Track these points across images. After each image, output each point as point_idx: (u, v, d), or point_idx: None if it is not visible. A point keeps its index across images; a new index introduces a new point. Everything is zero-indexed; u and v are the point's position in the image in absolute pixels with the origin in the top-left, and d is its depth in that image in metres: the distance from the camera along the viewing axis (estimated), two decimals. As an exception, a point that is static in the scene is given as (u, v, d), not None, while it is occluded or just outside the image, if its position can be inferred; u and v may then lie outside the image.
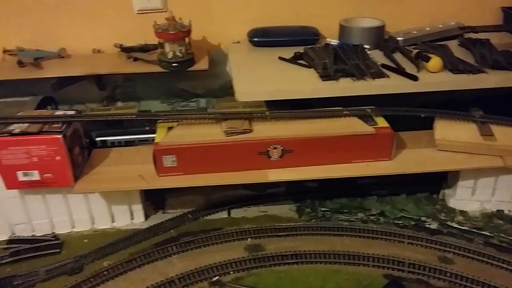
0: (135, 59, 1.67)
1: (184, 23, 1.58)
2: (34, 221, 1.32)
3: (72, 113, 1.27)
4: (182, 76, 1.87)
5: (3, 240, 1.31)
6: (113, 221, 1.36)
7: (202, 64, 1.66)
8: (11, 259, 1.24)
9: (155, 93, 1.91)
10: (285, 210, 1.42)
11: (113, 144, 1.53)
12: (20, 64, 1.64)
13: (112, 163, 1.32)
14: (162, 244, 1.28)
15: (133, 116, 1.39)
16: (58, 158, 1.18)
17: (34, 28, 1.72)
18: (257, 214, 1.40)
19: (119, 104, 1.90)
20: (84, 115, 1.34)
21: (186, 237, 1.30)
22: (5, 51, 1.64)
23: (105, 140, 1.53)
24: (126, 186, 1.25)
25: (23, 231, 1.32)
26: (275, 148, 1.22)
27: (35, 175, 1.20)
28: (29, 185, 1.21)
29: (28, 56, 1.63)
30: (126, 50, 1.67)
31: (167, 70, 1.62)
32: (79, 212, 1.33)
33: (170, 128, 1.28)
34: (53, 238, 1.30)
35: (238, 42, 1.81)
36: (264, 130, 1.25)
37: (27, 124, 1.18)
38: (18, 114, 1.28)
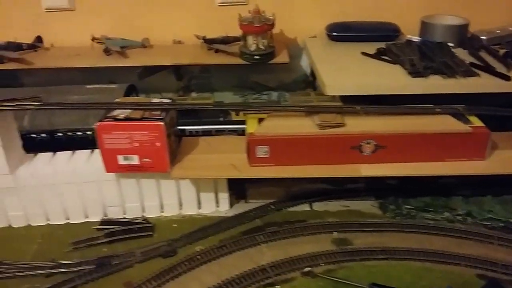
0: (217, 51, 1.71)
1: (268, 16, 1.60)
2: (126, 204, 1.37)
3: (168, 101, 1.31)
4: (256, 69, 1.89)
5: (96, 221, 1.37)
6: (199, 207, 1.40)
7: (282, 57, 1.67)
8: (107, 239, 1.29)
9: (228, 85, 1.94)
10: (367, 206, 1.42)
11: (191, 133, 1.57)
12: (107, 52, 1.70)
13: (203, 152, 1.35)
14: (249, 232, 1.31)
15: (236, 106, 1.40)
16: (158, 144, 1.22)
17: (119, 17, 1.78)
18: (339, 209, 1.41)
19: (194, 95, 1.94)
20: (186, 104, 1.39)
21: (272, 227, 1.32)
22: (93, 39, 1.71)
23: (183, 129, 1.57)
24: (220, 174, 1.28)
25: (115, 213, 1.38)
26: (368, 143, 1.23)
27: (135, 160, 1.24)
28: (128, 169, 1.26)
29: (115, 44, 1.69)
30: (209, 41, 1.71)
31: (248, 63, 1.64)
32: (168, 197, 1.37)
33: (260, 119, 1.30)
34: (144, 222, 1.35)
35: (315, 36, 1.81)
36: (356, 124, 1.25)
37: (128, 110, 1.23)
38: (116, 100, 1.33)
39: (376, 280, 1.13)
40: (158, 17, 1.79)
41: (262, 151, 1.24)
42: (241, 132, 1.51)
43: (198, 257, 1.22)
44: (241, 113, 1.74)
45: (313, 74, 1.91)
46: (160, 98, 1.38)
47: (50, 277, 1.18)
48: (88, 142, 1.50)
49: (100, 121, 1.21)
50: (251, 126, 1.28)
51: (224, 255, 1.23)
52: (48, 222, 1.37)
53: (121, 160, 1.25)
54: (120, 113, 1.21)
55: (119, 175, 1.32)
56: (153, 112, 1.24)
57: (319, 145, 1.23)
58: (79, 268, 1.20)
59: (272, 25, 1.60)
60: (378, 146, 1.23)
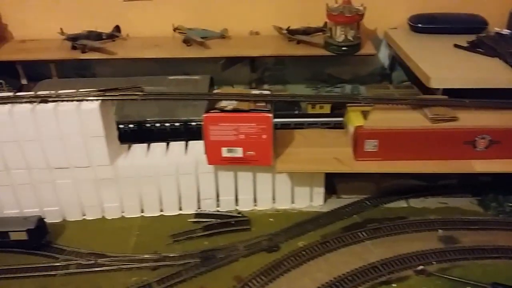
0: (298, 42, 1.67)
1: (358, 7, 1.55)
2: (220, 197, 1.35)
3: (268, 93, 1.28)
4: (330, 61, 1.85)
5: (190, 214, 1.35)
6: (292, 202, 1.37)
7: (369, 49, 1.63)
8: (206, 232, 1.27)
9: (301, 78, 1.90)
10: (465, 203, 1.38)
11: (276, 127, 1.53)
12: (187, 43, 1.68)
13: (301, 145, 1.32)
14: (349, 229, 1.28)
15: (343, 98, 1.37)
16: (264, 136, 1.19)
17: (197, 7, 1.75)
18: (438, 206, 1.37)
19: (266, 87, 1.91)
20: (295, 96, 1.35)
21: (372, 224, 1.29)
22: (175, 29, 1.68)
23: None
24: (324, 168, 1.25)
25: (209, 206, 1.36)
26: (482, 138, 1.18)
27: (239, 152, 1.22)
28: (231, 162, 1.23)
29: (196, 35, 1.66)
30: (292, 32, 1.67)
31: (334, 54, 1.60)
32: (263, 191, 1.34)
33: (364, 113, 1.26)
34: (240, 215, 1.33)
35: (395, 28, 1.77)
36: (468, 119, 1.21)
37: (235, 102, 1.20)
38: (216, 91, 1.30)
39: (495, 280, 1.09)
40: (236, 8, 1.76)
41: (370, 145, 1.20)
42: (328, 126, 1.49)
43: (303, 252, 1.19)
44: (317, 106, 1.73)
45: (391, 66, 1.86)
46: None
47: (156, 270, 1.16)
48: (176, 134, 1.48)
49: (207, 112, 1.18)
50: (356, 120, 1.24)
51: (329, 252, 1.20)
52: (142, 214, 1.35)
53: (224, 152, 1.22)
54: (227, 104, 1.18)
55: (217, 168, 1.29)
56: (258, 104, 1.21)
57: (431, 140, 1.19)
58: (184, 261, 1.18)
59: (362, 16, 1.55)
60: (493, 141, 1.18)
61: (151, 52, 1.66)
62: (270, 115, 1.17)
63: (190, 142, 1.35)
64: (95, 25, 1.73)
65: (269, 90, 1.32)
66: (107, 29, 1.73)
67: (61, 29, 1.63)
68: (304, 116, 1.53)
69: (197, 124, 1.48)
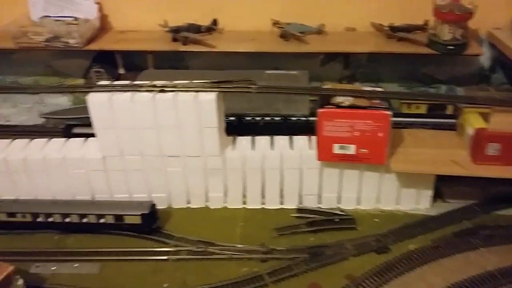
0: (399, 39, 1.63)
1: (467, 5, 1.49)
2: (323, 193, 1.33)
3: (382, 90, 1.25)
4: (426, 60, 1.79)
5: (291, 208, 1.35)
6: (397, 203, 1.34)
7: (475, 49, 1.57)
8: (311, 228, 1.27)
9: (395, 76, 1.86)
10: None
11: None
12: (284, 37, 1.68)
13: (412, 145, 1.28)
14: (460, 234, 1.23)
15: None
16: (380, 134, 1.16)
17: (293, 1, 1.74)
18: (553, 216, 1.30)
19: (357, 84, 1.88)
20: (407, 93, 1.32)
21: (485, 231, 1.24)
22: (274, 23, 1.68)
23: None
24: (441, 170, 1.21)
25: (310, 202, 1.35)
26: None
27: (351, 149, 1.20)
28: (342, 159, 1.22)
29: (294, 29, 1.66)
30: (393, 29, 1.63)
31: (438, 53, 1.55)
32: (368, 190, 1.32)
33: (484, 115, 1.21)
34: (344, 213, 1.31)
35: (498, 28, 1.69)
36: None
37: (350, 98, 1.18)
38: (325, 86, 1.29)
39: None
40: (332, 3, 1.73)
41: (492, 149, 1.15)
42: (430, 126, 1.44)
43: (416, 256, 1.16)
44: (412, 106, 1.68)
45: (492, 68, 1.79)
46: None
47: (266, 263, 1.17)
48: (276, 128, 1.48)
49: (322, 107, 1.17)
50: (476, 122, 1.20)
51: (442, 257, 1.16)
52: (244, 206, 1.36)
53: (336, 149, 1.21)
54: (343, 100, 1.17)
55: (322, 164, 1.28)
56: (373, 101, 1.19)
57: (560, 146, 1.13)
58: (292, 256, 1.18)
59: (471, 14, 1.49)
60: None
61: (248, 45, 1.67)
62: (389, 112, 1.15)
63: (295, 137, 1.35)
64: (193, 17, 1.75)
65: (380, 87, 1.29)
66: (204, 21, 1.76)
67: (164, 21, 1.66)
68: (400, 116, 1.49)
69: (297, 119, 1.48)
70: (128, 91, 1.22)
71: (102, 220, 1.24)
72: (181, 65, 1.91)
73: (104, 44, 1.72)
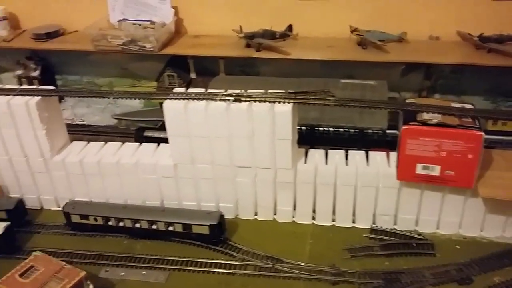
0: (489, 50, 1.50)
1: None
2: (400, 214, 1.25)
3: (471, 107, 1.15)
4: (515, 73, 1.65)
5: (363, 228, 1.28)
6: (481, 229, 1.23)
7: None
8: (385, 252, 1.19)
9: (479, 89, 1.72)
10: None
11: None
12: (362, 45, 1.60)
13: (501, 167, 1.17)
14: None
15: None
16: (470, 156, 1.07)
17: (374, 8, 1.65)
18: None
19: (436, 96, 1.76)
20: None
21: None
22: (353, 30, 1.61)
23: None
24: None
25: (385, 223, 1.27)
26: None
27: (436, 170, 1.11)
28: (425, 180, 1.13)
29: (374, 37, 1.57)
30: (484, 40, 1.50)
31: (534, 66, 1.42)
32: (450, 214, 1.22)
33: None
34: (421, 237, 1.22)
35: None
36: None
37: (438, 115, 1.09)
38: (409, 100, 1.21)
39: None
40: (415, 10, 1.63)
41: None
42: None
43: (503, 290, 1.06)
44: (499, 122, 1.55)
45: None
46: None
47: (336, 285, 1.11)
48: (349, 141, 1.42)
49: (406, 123, 1.09)
50: None
51: (536, 295, 1.05)
52: (314, 222, 1.31)
53: (419, 169, 1.12)
54: (430, 117, 1.08)
55: (401, 183, 1.20)
56: (464, 119, 1.09)
57: None
58: (365, 280, 1.11)
59: None
60: None
61: (325, 53, 1.61)
62: (482, 133, 1.05)
63: (371, 152, 1.27)
64: (267, 23, 1.72)
65: (471, 104, 1.18)
66: (278, 27, 1.72)
67: (240, 26, 1.64)
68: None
69: (373, 132, 1.40)
70: (203, 99, 1.20)
71: (170, 228, 1.23)
72: (252, 71, 1.88)
73: (178, 48, 1.73)
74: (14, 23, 1.97)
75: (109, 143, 1.41)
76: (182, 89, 1.27)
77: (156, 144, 1.38)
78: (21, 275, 1.03)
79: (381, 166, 1.22)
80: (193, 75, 1.87)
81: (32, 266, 1.06)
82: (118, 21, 1.80)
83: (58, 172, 1.36)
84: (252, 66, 1.88)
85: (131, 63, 2.01)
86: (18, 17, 2.00)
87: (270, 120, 1.16)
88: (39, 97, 1.28)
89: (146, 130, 1.67)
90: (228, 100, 1.19)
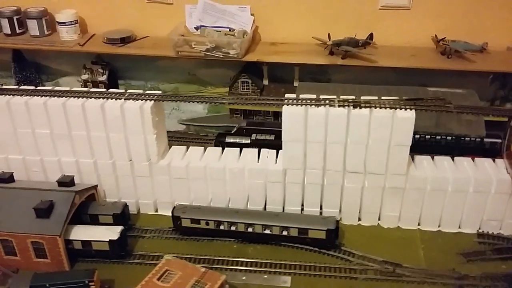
0: None
1: None
2: (507, 219, 1.27)
3: None
4: None
5: (471, 233, 1.29)
6: None
7: None
8: (500, 256, 1.21)
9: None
10: None
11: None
12: (444, 54, 1.63)
13: None
14: None
15: None
16: None
17: (456, 18, 1.68)
18: None
19: (508, 105, 1.79)
20: None
21: None
22: (439, 40, 1.64)
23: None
24: None
25: (492, 228, 1.29)
26: None
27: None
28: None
29: (459, 47, 1.60)
30: None
31: None
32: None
33: None
34: (531, 242, 1.25)
35: None
36: None
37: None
38: None
39: None
40: (499, 22, 1.66)
41: None
42: None
43: None
44: None
45: None
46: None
47: (461, 289, 1.13)
48: (447, 148, 1.44)
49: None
50: None
51: None
52: (419, 227, 1.32)
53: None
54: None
55: None
56: None
57: None
58: (489, 283, 1.12)
59: None
60: None
61: (409, 61, 1.63)
62: None
63: (478, 159, 1.30)
64: (346, 31, 1.73)
65: None
66: (352, 35, 1.73)
67: (328, 34, 1.66)
68: None
69: (471, 139, 1.43)
70: (321, 105, 1.22)
71: (284, 233, 1.24)
72: (323, 79, 1.90)
73: (259, 55, 1.73)
74: (82, 28, 1.97)
75: (209, 148, 1.42)
76: (293, 95, 1.29)
77: (247, 149, 1.41)
78: (158, 279, 1.03)
79: (494, 173, 1.24)
80: (265, 82, 1.88)
81: (167, 270, 1.06)
82: (196, 28, 1.81)
83: (162, 176, 1.36)
84: (323, 73, 1.90)
85: (200, 69, 2.01)
86: (85, 22, 2.00)
87: (391, 126, 1.18)
88: (152, 102, 1.29)
89: (227, 136, 1.68)
90: (348, 106, 1.21)
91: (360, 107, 1.20)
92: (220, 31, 1.75)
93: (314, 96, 1.27)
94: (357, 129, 1.20)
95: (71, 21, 1.90)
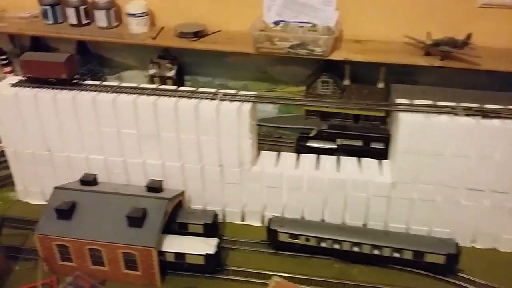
0: None
1: None
2: None
3: None
4: None
5: None
6: None
7: None
8: None
9: None
10: None
11: None
12: None
13: None
14: None
15: None
16: None
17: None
18: None
19: None
20: None
21: None
22: None
23: None
24: None
25: None
26: None
27: None
28: None
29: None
30: None
31: None
32: None
33: None
34: None
35: None
36: None
37: None
38: None
39: None
40: None
41: None
42: None
43: None
44: None
45: None
46: None
47: None
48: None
49: None
50: None
51: None
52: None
53: None
54: None
55: None
56: None
57: None
58: None
59: None
60: None
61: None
62: None
63: None
64: (438, 31, 1.59)
65: None
66: (441, 35, 1.59)
67: (429, 33, 1.53)
68: None
69: None
70: (443, 113, 1.09)
71: (396, 254, 1.12)
72: (409, 80, 1.76)
73: (345, 53, 1.60)
74: (150, 20, 1.88)
75: (303, 155, 1.31)
76: (405, 100, 1.17)
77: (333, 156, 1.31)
78: (270, 304, 0.93)
79: None
80: (346, 82, 1.76)
81: (278, 294, 0.95)
82: (274, 23, 1.69)
83: (253, 184, 1.25)
84: (409, 74, 1.75)
85: (272, 67, 1.89)
86: (154, 14, 1.90)
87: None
88: (250, 103, 1.18)
89: (310, 140, 1.56)
90: (474, 115, 1.07)
91: (490, 117, 1.07)
92: (304, 27, 1.63)
93: (430, 102, 1.15)
94: (484, 141, 1.07)
95: (142, 13, 1.79)
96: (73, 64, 1.27)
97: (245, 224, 1.32)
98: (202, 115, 1.18)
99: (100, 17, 1.84)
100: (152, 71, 1.92)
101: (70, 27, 1.89)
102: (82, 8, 1.85)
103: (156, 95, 1.23)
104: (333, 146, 1.52)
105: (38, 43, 2.11)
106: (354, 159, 1.27)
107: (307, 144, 1.54)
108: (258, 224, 1.32)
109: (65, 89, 1.25)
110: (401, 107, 1.13)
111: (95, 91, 1.25)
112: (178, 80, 1.96)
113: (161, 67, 1.93)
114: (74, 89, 1.25)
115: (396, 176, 1.17)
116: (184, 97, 1.21)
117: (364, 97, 1.78)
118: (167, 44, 1.78)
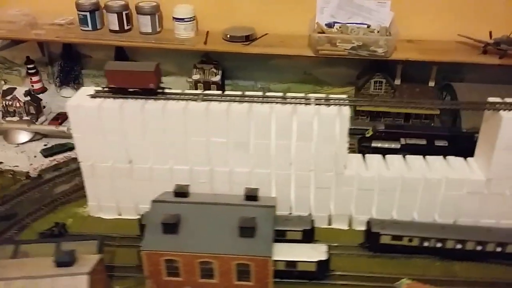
0: None
1: None
2: None
3: None
4: None
5: None
6: None
7: None
8: None
9: None
10: None
11: None
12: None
13: None
14: None
15: None
16: None
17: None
18: None
19: None
20: None
21: None
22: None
23: None
24: None
25: None
26: None
27: None
28: None
29: None
30: None
31: None
32: None
33: None
34: None
35: None
36: None
37: None
38: None
39: None
40: None
41: None
42: None
43: None
44: None
45: None
46: None
47: None
48: None
49: None
50: None
51: None
52: None
53: None
54: None
55: None
56: None
57: None
58: None
59: None
60: None
61: None
62: None
63: None
64: (494, 29, 1.62)
65: None
66: (499, 34, 1.63)
67: (490, 32, 1.56)
68: None
69: None
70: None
71: (498, 249, 1.14)
72: (455, 78, 1.80)
73: (404, 54, 1.62)
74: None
75: (388, 156, 1.32)
76: (498, 99, 1.19)
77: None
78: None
79: None
80: (397, 82, 1.78)
81: (414, 296, 0.95)
82: (327, 24, 1.69)
83: (346, 188, 1.25)
84: (456, 72, 1.80)
85: (318, 69, 1.90)
86: (197, 18, 1.85)
87: None
88: (347, 107, 1.18)
89: (374, 140, 1.56)
90: None
91: None
92: (364, 28, 1.64)
93: (522, 99, 1.18)
94: None
95: (190, 18, 1.77)
96: (160, 73, 1.23)
97: (333, 228, 1.31)
98: (299, 120, 1.17)
99: (145, 22, 1.80)
100: (196, 76, 1.89)
101: (110, 33, 1.84)
102: (124, 13, 1.80)
103: (247, 102, 1.21)
104: (397, 146, 1.54)
105: (70, 51, 2.05)
106: (440, 157, 1.29)
107: (372, 144, 1.56)
108: (345, 227, 1.31)
109: (151, 98, 1.21)
110: (498, 105, 1.15)
111: (182, 100, 1.22)
112: (222, 85, 1.94)
113: (205, 73, 1.90)
114: (160, 99, 1.21)
115: (493, 173, 1.19)
116: (275, 102, 1.20)
117: (416, 96, 1.81)
118: (219, 49, 1.75)
